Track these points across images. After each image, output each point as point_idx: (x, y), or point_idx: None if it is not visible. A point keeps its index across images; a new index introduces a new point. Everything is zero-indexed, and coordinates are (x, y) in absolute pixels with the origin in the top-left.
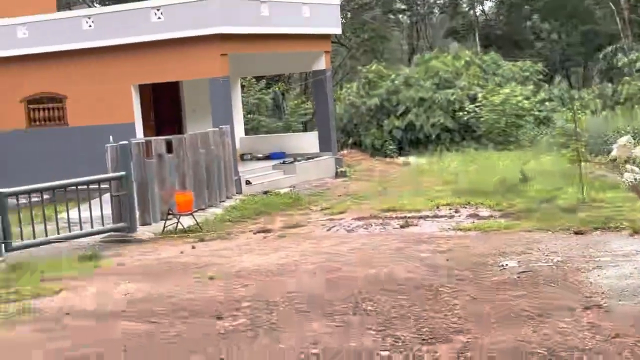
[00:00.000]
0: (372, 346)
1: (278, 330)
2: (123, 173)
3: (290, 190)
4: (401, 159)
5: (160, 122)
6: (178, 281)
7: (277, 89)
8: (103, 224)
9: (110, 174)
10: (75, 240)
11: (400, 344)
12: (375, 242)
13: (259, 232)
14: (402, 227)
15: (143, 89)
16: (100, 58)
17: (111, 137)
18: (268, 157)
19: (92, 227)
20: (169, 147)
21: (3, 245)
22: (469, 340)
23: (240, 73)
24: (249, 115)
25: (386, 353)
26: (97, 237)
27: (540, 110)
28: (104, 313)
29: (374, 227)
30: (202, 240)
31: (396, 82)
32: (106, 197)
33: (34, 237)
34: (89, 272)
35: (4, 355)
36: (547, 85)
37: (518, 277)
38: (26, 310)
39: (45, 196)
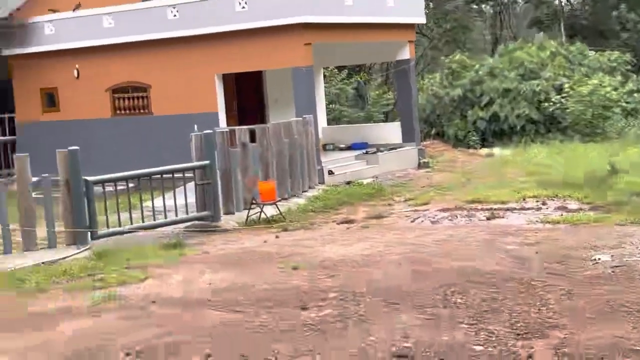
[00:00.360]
0: (464, 340)
1: (367, 322)
2: (207, 162)
3: (373, 180)
4: (484, 151)
5: (243, 112)
6: (262, 271)
7: (360, 78)
8: (187, 213)
9: (195, 163)
10: (159, 228)
11: (494, 338)
12: (460, 234)
13: (342, 222)
14: (488, 219)
15: (226, 79)
16: (184, 47)
17: (195, 126)
18: (350, 148)
19: (176, 215)
20: (252, 136)
21: (89, 233)
22: (566, 336)
23: (323, 63)
24: (330, 106)
25: (480, 348)
26: (181, 226)
27: (628, 102)
28: (189, 301)
29: (459, 218)
30: (285, 229)
31: (480, 72)
32: (190, 185)
33: (120, 225)
34: (174, 260)
35: (92, 342)
36: (635, 76)
37: (612, 272)
38: (112, 298)
39: (130, 184)
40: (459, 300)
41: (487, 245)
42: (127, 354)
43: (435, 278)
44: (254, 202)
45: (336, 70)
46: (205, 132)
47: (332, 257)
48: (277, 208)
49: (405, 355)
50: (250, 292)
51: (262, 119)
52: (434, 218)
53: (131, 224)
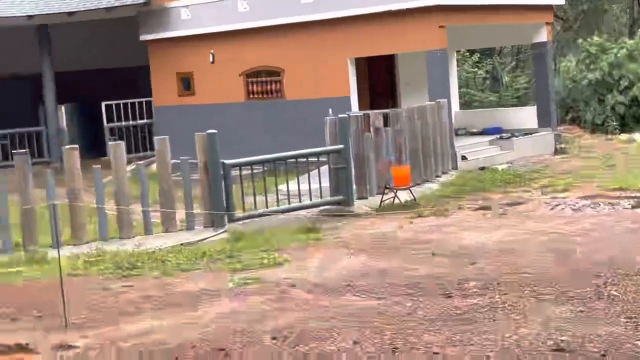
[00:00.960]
0: (624, 335)
1: (516, 313)
2: (341, 146)
3: (508, 166)
4: (624, 136)
5: (375, 95)
6: (399, 256)
7: (495, 62)
8: (321, 197)
9: (329, 147)
10: (294, 212)
11: None
12: (605, 223)
13: (477, 208)
14: (633, 207)
15: (358, 62)
16: (317, 31)
17: (330, 110)
18: (483, 132)
19: (310, 199)
20: (385, 121)
21: (226, 216)
22: None
23: (457, 46)
24: (461, 90)
25: None
26: (315, 210)
27: None
28: (328, 286)
29: (602, 206)
30: (419, 215)
31: (619, 55)
32: (323, 169)
33: (255, 208)
34: (310, 244)
35: (237, 324)
36: None
37: None
38: (252, 281)
39: (265, 168)
40: (614, 293)
41: (635, 235)
42: (274, 338)
43: (583, 268)
44: (387, 186)
45: (467, 53)
46: (339, 116)
47: (470, 244)
48: (411, 193)
49: (564, 349)
50: (390, 278)
51: (394, 103)
52: (575, 206)
53: (266, 207)
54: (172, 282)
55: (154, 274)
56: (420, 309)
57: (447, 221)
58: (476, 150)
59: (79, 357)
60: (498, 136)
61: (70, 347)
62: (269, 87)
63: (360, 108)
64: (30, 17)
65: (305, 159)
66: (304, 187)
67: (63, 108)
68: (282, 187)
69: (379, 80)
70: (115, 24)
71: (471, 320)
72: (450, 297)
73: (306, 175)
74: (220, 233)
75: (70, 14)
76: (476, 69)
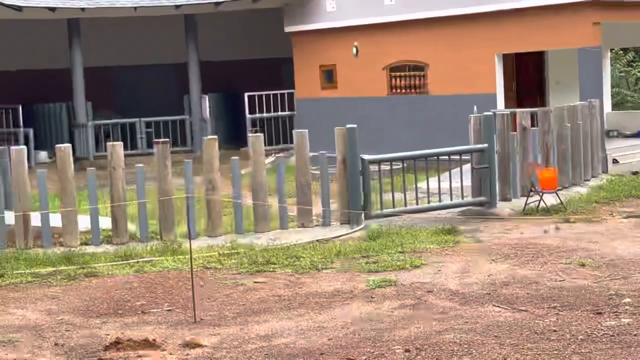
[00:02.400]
0: None
1: None
2: (485, 145)
3: None
4: None
5: (521, 93)
6: (543, 265)
7: None
8: (462, 197)
9: (472, 146)
10: (433, 212)
11: None
12: None
13: (630, 216)
14: None
15: (505, 59)
16: (464, 26)
17: (475, 107)
18: (636, 135)
19: (450, 199)
20: (533, 120)
21: (363, 213)
22: None
23: (611, 44)
24: (612, 90)
25: None
26: (455, 210)
27: None
28: (467, 294)
29: None
30: (566, 221)
31: None
32: (464, 169)
33: (393, 206)
34: (449, 247)
35: (368, 332)
36: None
37: None
38: (387, 284)
39: (400, 165)
40: None
41: None
42: (407, 351)
43: None
44: (532, 189)
45: (621, 51)
46: (484, 113)
47: (622, 255)
48: (558, 197)
49: None
50: (534, 289)
51: (542, 102)
52: None
53: (405, 205)
54: (304, 281)
55: (287, 271)
56: (566, 326)
57: (597, 229)
58: (629, 154)
59: (205, 358)
60: None
61: (197, 345)
62: (412, 81)
63: (506, 106)
64: (177, 6)
65: (447, 157)
66: (444, 185)
67: (207, 97)
68: (421, 184)
69: (527, 78)
70: (260, 15)
71: (626, 343)
72: (600, 314)
73: (446, 173)
74: (356, 230)
75: (217, 4)
76: (630, 68)
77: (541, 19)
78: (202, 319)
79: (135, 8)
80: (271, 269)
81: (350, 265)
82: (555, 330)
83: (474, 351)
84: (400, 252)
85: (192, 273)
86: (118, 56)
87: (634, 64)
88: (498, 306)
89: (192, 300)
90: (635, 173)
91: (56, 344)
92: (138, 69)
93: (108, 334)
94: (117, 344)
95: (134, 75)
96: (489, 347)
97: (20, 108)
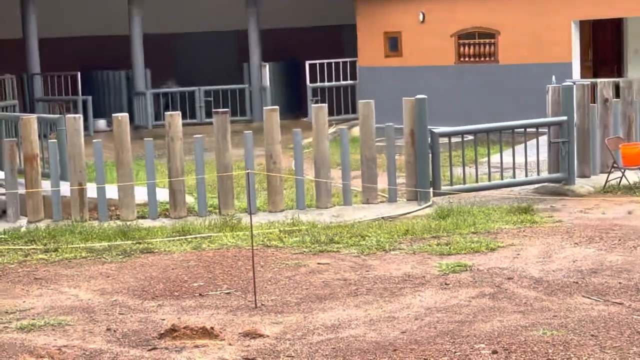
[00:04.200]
0: None
1: None
2: (564, 118)
3: None
4: None
5: (597, 63)
6: (633, 250)
7: None
8: (538, 173)
9: (551, 119)
10: (506, 188)
11: None
12: None
13: None
14: None
15: (581, 26)
16: None
17: (553, 77)
18: None
19: (525, 175)
20: (614, 92)
21: (432, 189)
22: None
23: None
24: None
25: None
26: (529, 187)
27: None
28: (551, 282)
29: None
30: None
31: None
32: (536, 142)
33: (464, 182)
34: (526, 227)
35: (445, 324)
36: None
37: None
38: (462, 268)
39: (470, 137)
40: None
41: None
42: (494, 352)
43: None
44: (614, 166)
45: None
46: (564, 83)
47: None
48: None
49: None
50: (626, 278)
51: (619, 73)
52: None
53: (476, 181)
54: (371, 264)
55: (353, 251)
56: None
57: None
58: None
59: (267, 351)
60: None
61: (259, 335)
62: (482, 49)
63: (582, 77)
64: None
65: (522, 130)
66: (518, 160)
67: (267, 66)
68: (493, 159)
69: (604, 46)
70: None
71: None
72: None
73: (520, 147)
74: (424, 207)
75: None
76: None
77: None
78: (263, 305)
79: None
80: (335, 249)
81: (420, 247)
82: None
83: (571, 355)
84: (473, 233)
85: (252, 256)
86: (178, 23)
87: None
88: (589, 297)
89: (253, 284)
90: None
91: (108, 329)
92: (197, 36)
93: (164, 319)
94: (172, 332)
95: (193, 43)
96: (588, 350)
97: (79, 75)
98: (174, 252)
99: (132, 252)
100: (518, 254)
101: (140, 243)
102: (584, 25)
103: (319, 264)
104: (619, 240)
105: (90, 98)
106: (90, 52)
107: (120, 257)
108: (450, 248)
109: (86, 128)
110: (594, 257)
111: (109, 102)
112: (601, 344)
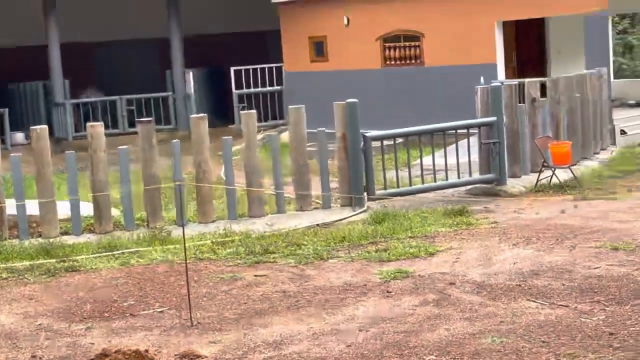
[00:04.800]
0: None
1: None
2: (494, 118)
3: None
4: None
5: (521, 64)
6: (571, 250)
7: None
8: (470, 175)
9: (481, 119)
10: (439, 190)
11: None
12: None
13: None
14: None
15: (505, 27)
16: None
17: (482, 78)
18: (639, 104)
19: (458, 177)
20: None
21: (365, 193)
22: None
23: (613, 10)
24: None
25: None
26: (462, 189)
27: None
28: (494, 286)
29: None
30: (583, 198)
31: None
32: (464, 143)
33: (398, 186)
34: (462, 230)
35: (391, 335)
36: None
37: None
38: (403, 275)
39: (400, 140)
40: None
41: None
42: None
43: None
44: (545, 165)
45: (616, 18)
46: (492, 84)
47: None
48: (572, 172)
49: None
50: (568, 279)
51: (543, 72)
52: None
53: (410, 184)
54: (310, 274)
55: (290, 261)
56: (621, 326)
57: (619, 206)
58: (635, 124)
59: None
60: None
61: (196, 356)
62: (407, 52)
63: (507, 77)
64: None
65: (454, 132)
66: (450, 161)
67: (191, 73)
68: (425, 161)
69: (527, 47)
70: None
71: None
72: None
73: (451, 148)
74: (359, 213)
75: None
76: (625, 35)
77: None
78: (199, 322)
79: None
80: (271, 259)
81: (358, 254)
82: (611, 334)
83: (515, 358)
84: (410, 237)
85: (187, 271)
86: (97, 31)
87: (629, 31)
88: (534, 301)
89: (188, 300)
90: None
91: (34, 356)
92: (118, 44)
93: (93, 343)
94: (103, 357)
95: (114, 51)
96: (542, 358)
97: None
98: (101, 269)
99: (57, 271)
100: (458, 258)
101: (64, 261)
102: (507, 26)
103: (255, 276)
104: (556, 240)
105: (6, 110)
106: (4, 63)
107: (44, 277)
108: (389, 254)
109: (3, 142)
110: (534, 258)
111: (27, 114)
112: (554, 351)
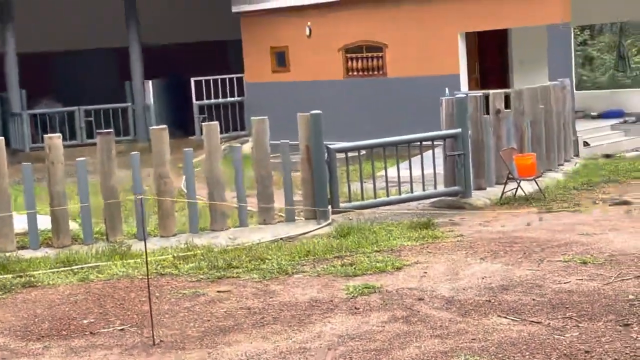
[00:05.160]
0: None
1: None
2: (459, 130)
3: (637, 154)
4: None
5: (484, 74)
6: (540, 264)
7: (622, 39)
8: (435, 187)
9: (446, 131)
10: (404, 203)
11: None
12: None
13: (616, 203)
14: None
15: (467, 38)
16: (424, 3)
17: (447, 90)
18: (601, 116)
19: (423, 189)
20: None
21: (330, 206)
22: None
23: (575, 21)
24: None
25: None
26: (426, 202)
27: None
28: (464, 302)
29: None
30: (549, 210)
31: None
32: (428, 154)
33: (362, 198)
34: (428, 243)
35: (360, 353)
36: None
37: None
38: (370, 290)
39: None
40: None
41: None
42: None
43: None
44: (510, 177)
45: (577, 30)
46: (457, 95)
47: (623, 249)
48: (537, 184)
49: None
50: (538, 294)
51: (505, 84)
52: None
53: (374, 197)
54: (275, 289)
55: (254, 276)
56: (595, 343)
57: (585, 219)
58: (599, 136)
59: None
60: (621, 120)
61: None
62: (370, 63)
63: (470, 88)
64: None
65: (419, 144)
66: (414, 173)
67: (150, 83)
68: (389, 173)
69: (489, 58)
70: None
71: None
72: (627, 325)
73: (415, 159)
74: (323, 226)
75: None
76: (585, 47)
77: None
78: (162, 341)
79: None
80: (235, 274)
81: (323, 268)
82: (587, 351)
83: None
84: (376, 251)
85: (148, 287)
86: (55, 41)
87: (589, 43)
88: (505, 317)
89: (150, 317)
90: (607, 156)
91: None
92: (76, 54)
93: None
94: None
95: (71, 61)
96: None
97: None
98: (59, 285)
99: (13, 287)
100: (425, 272)
101: (21, 276)
102: (469, 37)
103: (219, 291)
104: (524, 253)
105: None
106: None
107: (0, 293)
108: (355, 268)
109: None
110: (503, 273)
111: None
112: None
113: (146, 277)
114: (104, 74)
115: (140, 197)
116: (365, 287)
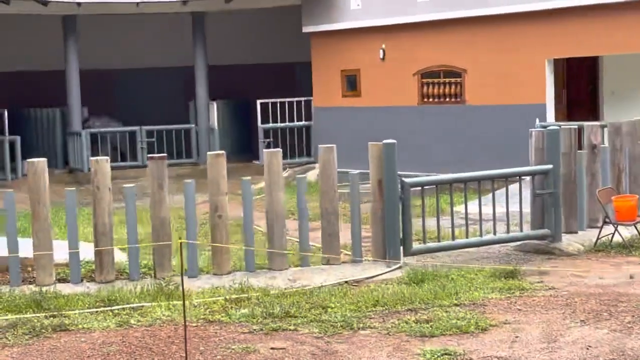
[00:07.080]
0: None
1: None
2: (550, 167)
3: None
4: None
5: (571, 105)
6: None
7: None
8: (521, 229)
9: (535, 167)
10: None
11: None
12: None
13: None
14: None
15: (555, 65)
16: (509, 27)
17: (537, 120)
18: None
19: (507, 231)
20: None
21: (402, 247)
22: None
23: None
24: None
25: None
26: (511, 245)
27: None
28: None
29: None
30: None
31: None
32: (512, 190)
33: (439, 239)
34: (516, 297)
35: None
36: None
37: None
38: (451, 357)
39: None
40: None
41: None
42: None
43: None
44: (606, 220)
45: None
46: (549, 128)
47: None
48: (637, 230)
49: None
50: None
51: (595, 115)
52: None
53: (452, 238)
54: (337, 349)
55: (313, 330)
56: None
57: None
58: None
59: None
60: None
61: None
62: (447, 89)
63: (556, 119)
64: (184, 2)
65: (504, 180)
66: (494, 211)
67: (215, 104)
68: (460, 208)
69: (578, 86)
70: (275, 14)
71: None
72: None
73: (497, 196)
74: (394, 269)
75: (227, 0)
76: None
77: (600, 19)
78: None
79: (137, 4)
80: (292, 326)
81: (394, 324)
82: None
83: None
84: (456, 305)
85: (185, 344)
86: (118, 58)
87: None
88: None
89: None
90: None
91: None
92: (140, 72)
93: None
94: None
95: (135, 80)
96: None
97: (6, 112)
98: (95, 329)
99: (43, 331)
100: (517, 337)
101: (55, 316)
102: (557, 63)
103: (272, 349)
104: (633, 316)
105: (18, 138)
106: (20, 88)
107: (27, 337)
108: (432, 327)
109: (14, 171)
110: (611, 342)
111: (42, 143)
112: None
113: (189, 327)
114: (167, 94)
115: (183, 240)
116: (445, 354)
